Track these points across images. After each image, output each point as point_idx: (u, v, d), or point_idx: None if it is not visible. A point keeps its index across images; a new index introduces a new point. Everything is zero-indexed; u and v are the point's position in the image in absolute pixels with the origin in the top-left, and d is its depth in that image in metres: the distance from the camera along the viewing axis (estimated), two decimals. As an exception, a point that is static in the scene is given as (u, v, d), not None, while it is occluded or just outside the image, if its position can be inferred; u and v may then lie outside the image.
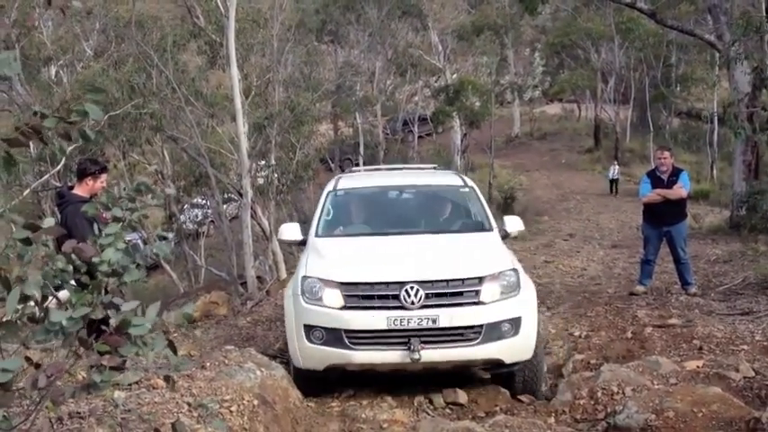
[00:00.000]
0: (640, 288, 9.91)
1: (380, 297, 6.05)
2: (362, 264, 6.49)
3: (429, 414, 6.17)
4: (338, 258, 6.66)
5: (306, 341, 6.16)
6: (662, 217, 9.55)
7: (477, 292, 6.09)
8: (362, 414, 5.92)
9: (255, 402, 5.10)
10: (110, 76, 17.23)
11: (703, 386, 5.54)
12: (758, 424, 4.72)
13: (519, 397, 6.60)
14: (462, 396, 6.46)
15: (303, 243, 7.44)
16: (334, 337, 6.03)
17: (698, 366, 6.26)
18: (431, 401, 6.40)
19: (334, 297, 6.09)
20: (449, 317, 5.98)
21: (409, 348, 5.88)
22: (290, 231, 7.66)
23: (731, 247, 13.71)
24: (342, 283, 6.12)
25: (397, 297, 5.98)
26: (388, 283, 6.06)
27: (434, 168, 9.96)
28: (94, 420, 4.20)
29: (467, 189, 8.09)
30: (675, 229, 9.53)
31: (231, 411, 4.82)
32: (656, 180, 9.62)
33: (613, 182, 28.41)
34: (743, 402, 5.27)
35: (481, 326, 6.02)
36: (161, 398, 4.65)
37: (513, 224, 7.56)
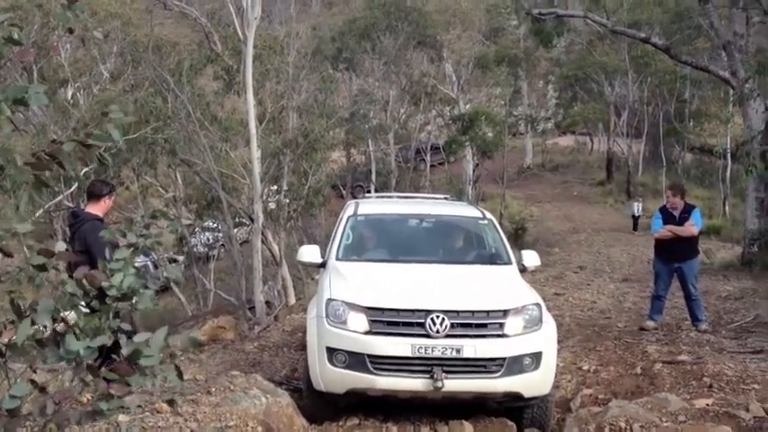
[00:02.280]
0: (650, 323, 9.84)
1: (406, 324, 6.04)
2: (388, 289, 6.47)
3: (434, 446, 6.12)
4: (363, 283, 6.64)
5: (328, 364, 6.13)
6: (673, 253, 9.51)
7: (502, 325, 6.11)
8: (367, 444, 5.87)
9: (260, 429, 5.08)
10: (127, 99, 17.41)
11: (713, 425, 5.48)
12: (768, 465, 4.66)
13: (526, 431, 6.55)
14: (468, 428, 6.38)
15: (322, 266, 7.43)
16: (357, 360, 6.01)
17: (707, 404, 6.18)
18: (436, 432, 6.35)
19: (359, 321, 6.08)
20: (473, 348, 5.98)
21: (432, 377, 5.86)
22: (310, 253, 7.58)
23: (743, 283, 13.62)
24: (368, 308, 6.11)
25: (422, 325, 5.97)
26: (414, 311, 6.05)
27: (446, 198, 10.07)
28: (98, 444, 4.19)
29: (486, 221, 8.13)
30: (687, 265, 9.48)
31: (235, 438, 4.80)
32: (667, 216, 9.60)
33: (636, 219, 28.11)
34: (752, 443, 5.21)
35: (504, 359, 6.02)
36: (165, 422, 4.64)
37: (531, 259, 7.57)
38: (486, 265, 7.49)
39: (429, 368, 5.91)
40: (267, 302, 16.79)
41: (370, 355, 5.98)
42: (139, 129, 15.47)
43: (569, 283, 15.82)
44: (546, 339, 6.32)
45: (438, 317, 5.98)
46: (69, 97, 22.55)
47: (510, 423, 6.55)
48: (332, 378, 6.17)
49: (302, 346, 10.29)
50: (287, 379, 8.55)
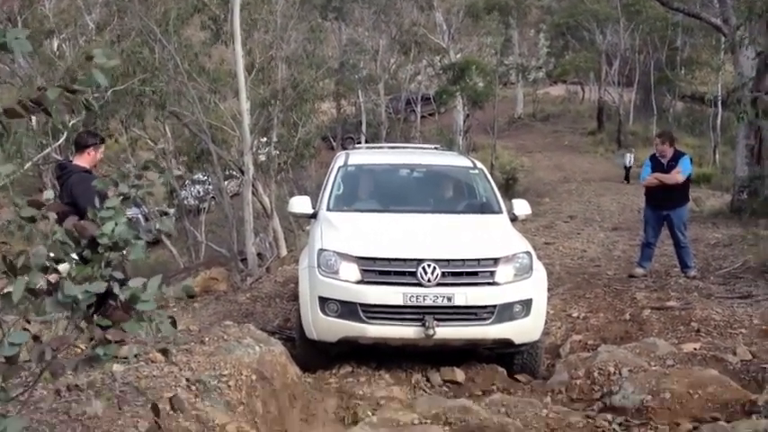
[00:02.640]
0: (640, 270, 9.93)
1: (397, 273, 6.13)
2: (380, 239, 6.55)
3: (426, 391, 6.21)
4: (354, 233, 6.71)
5: (320, 313, 6.23)
6: (662, 201, 9.55)
7: (492, 273, 6.19)
8: (360, 391, 5.95)
9: (254, 378, 5.13)
10: (114, 50, 17.14)
11: (700, 368, 5.57)
12: (754, 407, 4.75)
13: (516, 376, 6.65)
14: (459, 374, 6.50)
15: (313, 216, 7.47)
16: (349, 310, 6.11)
17: (695, 349, 6.28)
18: (428, 379, 6.44)
19: (350, 271, 6.15)
20: (464, 296, 6.08)
21: (424, 325, 5.98)
22: (301, 204, 7.61)
23: (732, 231, 13.71)
24: (359, 258, 6.18)
25: (413, 274, 6.06)
26: (405, 260, 6.14)
27: (437, 148, 10.09)
28: (92, 393, 4.23)
29: (476, 171, 8.17)
30: (675, 213, 9.52)
31: (229, 386, 4.85)
32: (656, 164, 9.62)
33: (628, 169, 27.97)
34: (739, 385, 5.30)
35: (495, 306, 6.12)
36: (159, 372, 4.68)
37: (521, 208, 7.65)
38: (477, 214, 7.56)
39: (420, 316, 6.03)
40: (259, 254, 16.81)
41: (362, 304, 6.08)
42: (127, 80, 15.27)
43: (559, 232, 15.89)
44: (536, 287, 6.42)
45: (429, 266, 6.06)
46: (55, 49, 22.21)
47: (500, 369, 6.66)
48: (324, 327, 6.27)
49: (294, 297, 10.35)
50: (280, 328, 8.62)
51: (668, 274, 9.99)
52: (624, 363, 5.89)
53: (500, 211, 7.47)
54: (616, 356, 6.05)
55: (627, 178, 27.50)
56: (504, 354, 6.65)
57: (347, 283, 6.14)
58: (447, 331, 6.07)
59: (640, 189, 11.10)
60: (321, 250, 6.37)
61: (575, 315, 8.42)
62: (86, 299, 2.22)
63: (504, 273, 6.22)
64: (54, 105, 2.23)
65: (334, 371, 6.56)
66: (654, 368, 5.73)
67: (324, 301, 6.22)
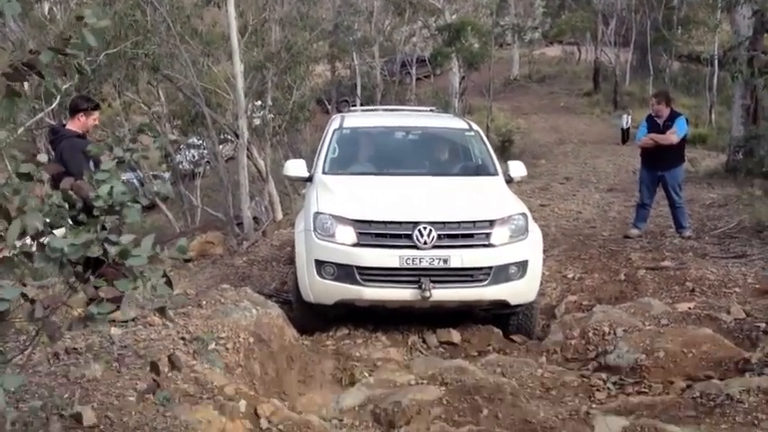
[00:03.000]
0: (635, 231, 9.96)
1: (393, 236, 6.15)
2: (376, 202, 6.56)
3: (422, 353, 6.26)
4: (350, 196, 6.72)
5: (317, 276, 6.26)
6: (657, 161, 9.53)
7: (488, 235, 6.23)
8: (357, 352, 6.00)
9: (251, 340, 5.16)
10: (105, 11, 16.92)
11: (694, 327, 5.62)
12: (747, 364, 4.80)
13: (512, 337, 6.70)
14: (456, 336, 6.54)
15: (309, 180, 7.47)
16: (345, 272, 6.14)
17: (689, 308, 6.32)
18: (424, 341, 6.49)
19: (347, 234, 6.18)
20: (459, 258, 6.11)
21: (420, 287, 6.02)
22: (296, 168, 7.60)
23: (727, 191, 13.74)
24: (355, 221, 6.21)
25: (409, 236, 6.09)
26: (401, 223, 6.16)
27: (432, 110, 10.13)
28: (91, 356, 4.26)
29: (472, 133, 8.18)
30: (670, 173, 9.52)
31: (227, 348, 4.89)
32: (652, 124, 9.58)
33: (625, 131, 27.75)
34: (733, 343, 5.35)
35: (490, 268, 6.16)
36: (157, 334, 4.71)
37: (517, 169, 7.64)
38: (473, 176, 7.57)
39: (417, 278, 6.07)
40: (255, 218, 16.83)
41: (358, 267, 6.10)
42: (119, 43, 15.10)
43: (555, 194, 15.90)
44: (531, 248, 6.45)
45: (425, 228, 6.09)
46: (46, 12, 21.92)
47: (496, 330, 6.71)
48: (321, 290, 6.30)
49: (291, 260, 10.36)
50: (276, 292, 8.66)
51: (663, 234, 10.03)
52: (619, 322, 5.93)
53: (495, 173, 7.49)
54: (611, 316, 6.09)
55: (624, 140, 27.35)
56: (499, 315, 6.70)
57: (343, 246, 6.15)
58: (443, 293, 6.11)
59: (636, 150, 11.09)
60: (317, 213, 6.38)
61: (570, 276, 8.46)
62: (73, 252, 2.21)
63: (499, 234, 6.25)
64: (47, 68, 2.21)
65: (331, 333, 6.61)
66: (648, 327, 5.77)
67: (320, 264, 6.23)
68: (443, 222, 6.17)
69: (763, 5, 13.29)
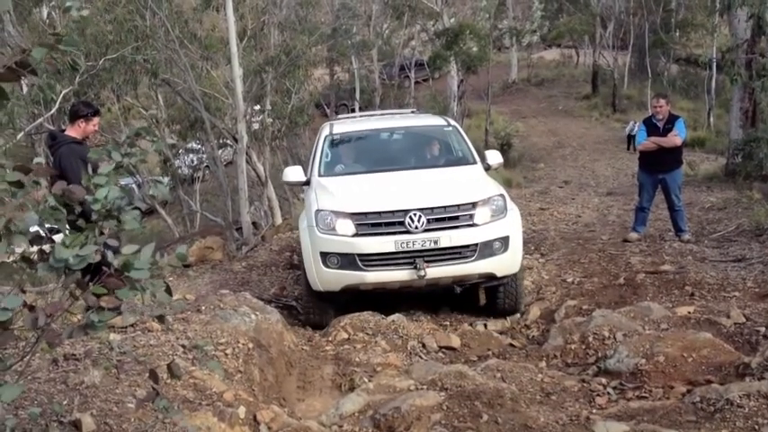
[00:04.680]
0: (634, 235, 9.95)
1: (388, 224, 6.84)
2: (370, 196, 7.24)
3: (422, 358, 6.24)
4: (346, 193, 7.38)
5: (323, 266, 6.94)
6: (657, 164, 9.53)
7: (472, 216, 6.94)
8: (356, 357, 5.99)
9: (250, 345, 5.16)
10: (104, 18, 16.91)
11: (694, 332, 5.60)
12: (747, 369, 4.79)
13: (511, 342, 6.73)
14: (455, 340, 6.56)
15: (306, 183, 8.16)
16: (348, 260, 6.84)
17: (689, 312, 6.32)
18: (424, 345, 6.48)
19: (346, 226, 6.87)
20: (448, 238, 6.80)
21: (415, 267, 6.73)
22: (294, 173, 8.27)
23: (726, 194, 13.72)
24: (353, 214, 6.90)
25: (402, 223, 6.78)
26: (394, 212, 6.85)
27: (413, 112, 11.24)
28: (90, 362, 4.24)
29: (450, 128, 8.99)
30: (670, 176, 9.53)
31: (226, 354, 4.88)
32: (651, 127, 9.58)
33: (632, 138, 27.50)
34: (733, 348, 5.34)
35: (476, 245, 6.86)
36: (156, 340, 4.70)
37: (494, 157, 8.39)
38: (454, 166, 8.27)
39: (412, 260, 6.77)
40: (254, 223, 16.83)
41: (359, 255, 6.80)
42: (119, 48, 15.10)
43: (554, 197, 15.90)
44: (511, 225, 7.18)
45: (415, 214, 6.78)
46: (45, 17, 21.93)
47: (495, 335, 6.85)
48: (327, 278, 6.98)
49: (290, 265, 10.42)
50: (276, 297, 8.65)
51: (662, 238, 10.02)
52: (618, 327, 5.93)
53: (474, 162, 8.21)
54: (610, 321, 6.09)
55: (629, 146, 27.27)
56: (488, 290, 7.54)
57: (344, 237, 6.84)
58: (436, 271, 6.79)
59: (635, 154, 11.07)
60: (318, 210, 7.05)
61: (569, 280, 8.46)
62: (77, 263, 2.22)
63: (481, 214, 6.96)
64: (41, 65, 2.20)
65: (330, 338, 6.60)
66: (648, 332, 5.77)
67: (325, 256, 6.90)
68: (431, 208, 6.84)
69: (757, 9, 13.31)
